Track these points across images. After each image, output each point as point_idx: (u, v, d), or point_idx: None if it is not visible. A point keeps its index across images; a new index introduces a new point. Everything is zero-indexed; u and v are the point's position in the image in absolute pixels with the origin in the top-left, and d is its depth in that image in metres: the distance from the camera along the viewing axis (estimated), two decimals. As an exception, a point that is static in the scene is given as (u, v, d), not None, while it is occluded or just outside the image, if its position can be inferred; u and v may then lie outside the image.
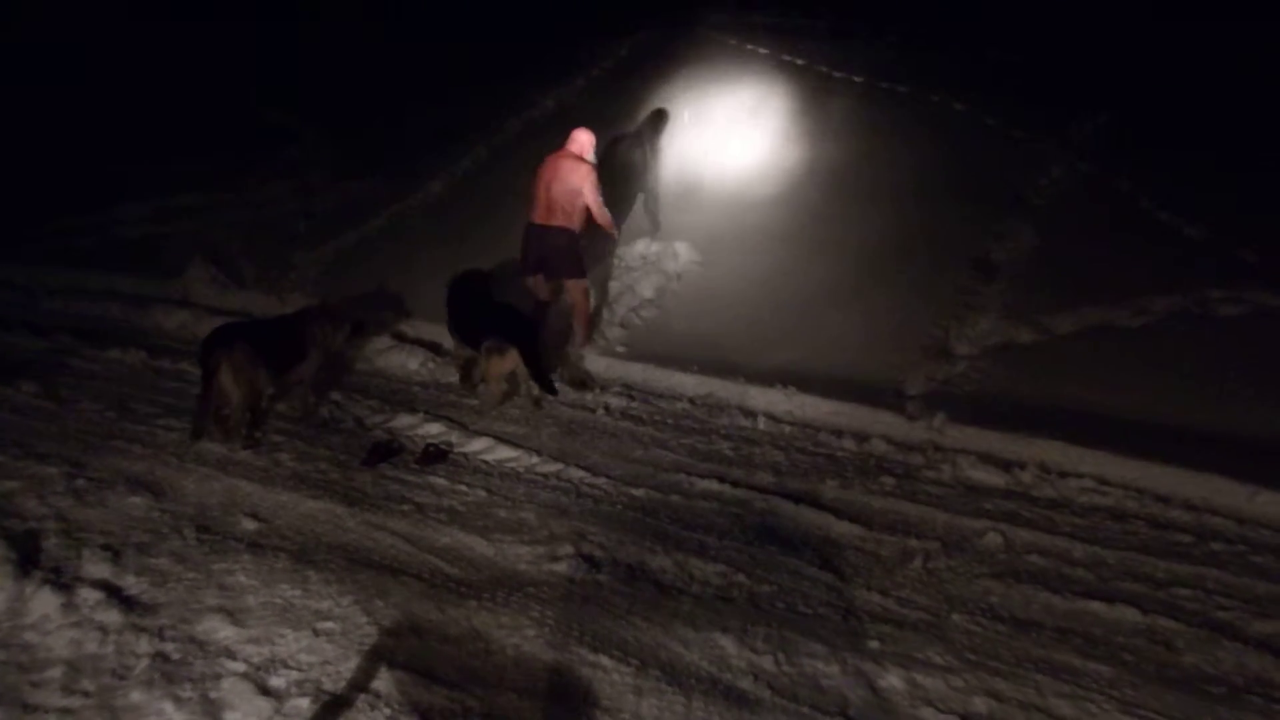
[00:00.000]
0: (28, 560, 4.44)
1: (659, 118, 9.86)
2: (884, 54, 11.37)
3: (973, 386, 7.05)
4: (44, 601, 4.16)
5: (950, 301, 7.92)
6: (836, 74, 11.18)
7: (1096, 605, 4.69)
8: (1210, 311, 7.42)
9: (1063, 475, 6.07)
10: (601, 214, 7.65)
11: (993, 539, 5.31)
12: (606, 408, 7.11)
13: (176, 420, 6.43)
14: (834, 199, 9.25)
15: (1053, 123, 9.86)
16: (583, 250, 7.75)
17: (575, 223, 7.58)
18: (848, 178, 9.49)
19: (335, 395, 7.03)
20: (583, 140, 7.69)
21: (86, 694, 3.70)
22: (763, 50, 11.79)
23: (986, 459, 6.25)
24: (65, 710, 3.61)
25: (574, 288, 7.82)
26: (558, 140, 7.89)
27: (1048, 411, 6.60)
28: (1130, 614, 4.61)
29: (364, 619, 4.24)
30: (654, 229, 9.18)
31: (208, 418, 6.06)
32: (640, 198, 9.13)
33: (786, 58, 11.57)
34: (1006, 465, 6.18)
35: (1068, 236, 8.38)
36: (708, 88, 11.08)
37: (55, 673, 3.79)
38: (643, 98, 11.05)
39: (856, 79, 11.07)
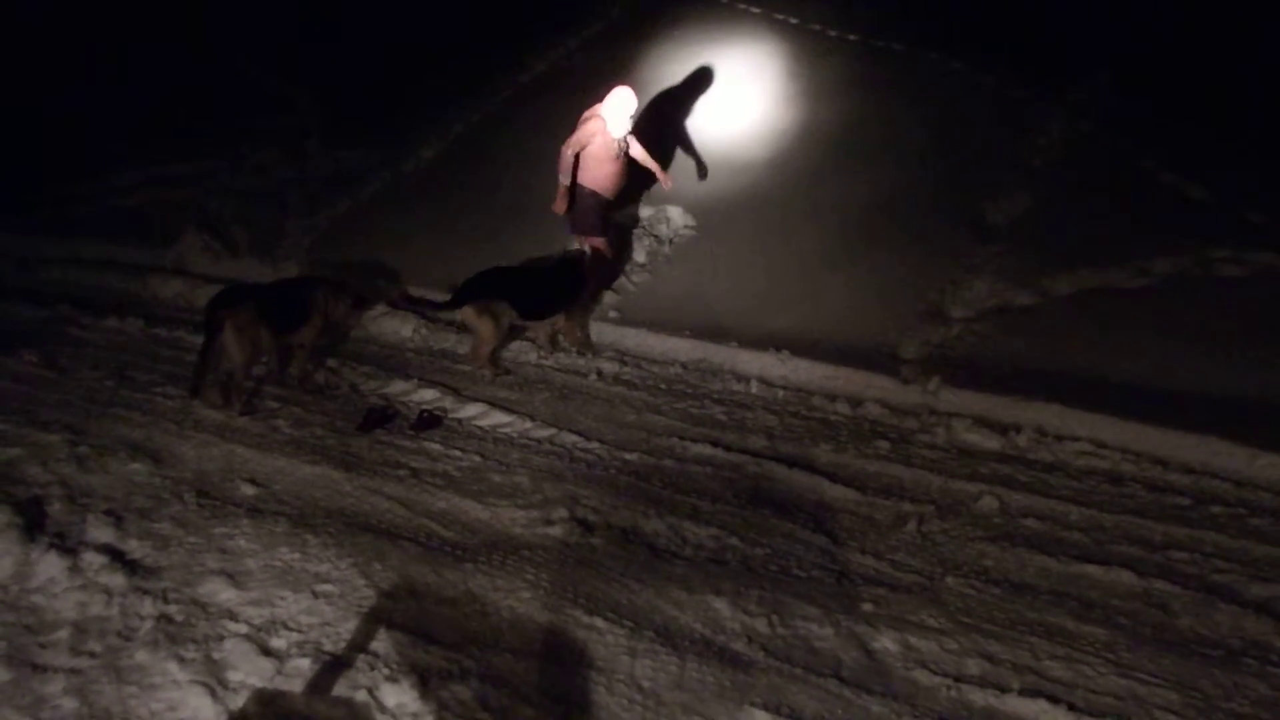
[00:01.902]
0: (33, 525, 4.49)
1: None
2: (879, 12, 11.19)
3: (968, 350, 7.04)
4: (50, 565, 4.21)
5: (946, 264, 7.89)
6: (831, 33, 11.03)
7: (1092, 568, 4.71)
8: (1212, 273, 7.34)
9: (1059, 439, 6.08)
10: (558, 162, 7.59)
11: (988, 502, 5.33)
12: (599, 373, 7.13)
13: (174, 388, 6.47)
14: (828, 161, 9.18)
15: (1051, 82, 9.70)
16: (594, 209, 7.76)
17: (587, 180, 7.61)
18: (842, 139, 9.40)
19: (331, 362, 7.05)
20: (607, 98, 7.55)
21: (93, 655, 3.75)
22: (755, 9, 11.65)
23: (982, 422, 6.25)
24: (73, 670, 3.66)
25: (590, 245, 7.89)
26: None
27: (1044, 374, 6.60)
28: (1126, 577, 4.63)
29: (362, 581, 4.28)
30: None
31: (206, 376, 6.09)
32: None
33: (779, 16, 11.42)
34: (1002, 429, 6.18)
35: (1066, 198, 8.31)
36: (699, 48, 10.95)
37: (63, 634, 3.85)
38: (634, 59, 10.96)
39: (851, 37, 10.90)
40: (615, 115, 7.47)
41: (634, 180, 8.14)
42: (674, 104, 10.07)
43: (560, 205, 7.77)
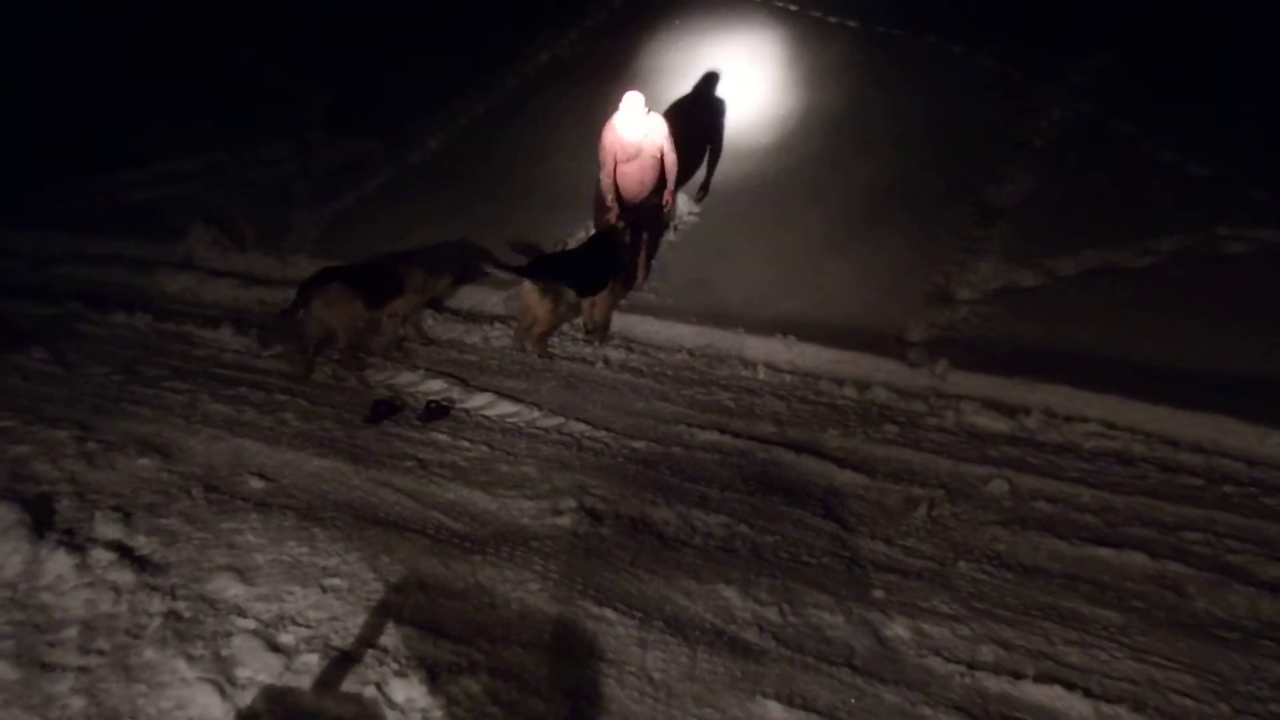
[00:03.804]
0: (42, 523, 4.49)
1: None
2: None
3: (975, 332, 7.01)
4: (59, 563, 4.21)
5: (951, 246, 7.86)
6: (831, 18, 11.01)
7: (1105, 551, 4.69)
8: (1217, 250, 7.32)
9: (1069, 420, 6.06)
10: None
11: (998, 486, 5.31)
12: (606, 360, 7.11)
13: (182, 382, 6.47)
14: (831, 146, 9.16)
15: (1051, 64, 9.67)
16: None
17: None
18: (844, 124, 9.39)
19: (337, 354, 7.03)
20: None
21: (102, 653, 3.76)
22: (756, -3, 11.62)
23: (990, 405, 6.23)
24: (82, 669, 3.66)
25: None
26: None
27: (1052, 355, 6.57)
28: (1139, 559, 4.61)
29: (370, 575, 4.28)
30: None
31: (307, 353, 6.77)
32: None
33: (780, 3, 11.39)
34: (1011, 411, 6.16)
35: (1069, 178, 8.28)
36: (701, 36, 10.95)
37: (71, 632, 3.86)
38: (637, 48, 10.94)
39: (851, 23, 10.89)
40: (624, 119, 7.52)
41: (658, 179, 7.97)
42: (677, 93, 10.03)
43: (612, 216, 7.84)
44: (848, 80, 9.92)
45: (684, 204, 8.92)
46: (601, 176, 7.80)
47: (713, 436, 5.90)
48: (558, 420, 6.12)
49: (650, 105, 8.97)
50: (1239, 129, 8.30)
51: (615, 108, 7.63)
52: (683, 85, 10.12)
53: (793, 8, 11.30)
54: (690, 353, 7.26)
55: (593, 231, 8.21)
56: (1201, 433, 5.79)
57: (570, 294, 7.15)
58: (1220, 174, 7.94)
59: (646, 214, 7.98)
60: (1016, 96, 9.41)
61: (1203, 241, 7.38)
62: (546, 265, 7.19)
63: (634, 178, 7.74)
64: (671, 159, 7.78)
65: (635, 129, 7.52)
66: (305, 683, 3.60)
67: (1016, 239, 7.81)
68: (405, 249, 7.50)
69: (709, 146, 9.40)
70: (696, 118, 9.74)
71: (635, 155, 7.64)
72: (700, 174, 9.23)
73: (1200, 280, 7.05)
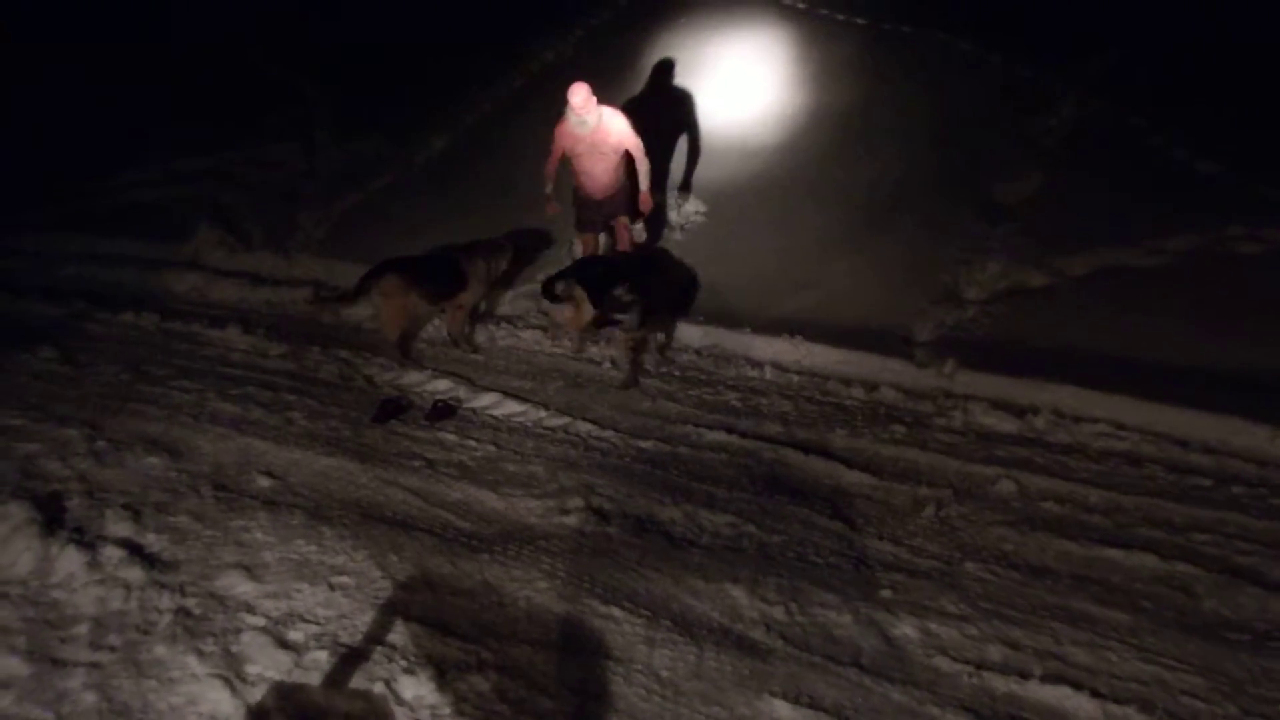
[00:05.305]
0: (53, 521, 4.51)
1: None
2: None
3: (983, 331, 6.99)
4: (69, 560, 4.23)
5: (958, 246, 7.84)
6: (839, 16, 10.98)
7: (1114, 552, 4.68)
8: (1229, 250, 7.26)
9: (1077, 420, 6.04)
10: None
11: (1006, 486, 5.30)
12: (613, 361, 7.09)
13: (190, 381, 6.48)
14: (838, 144, 9.14)
15: (1061, 61, 9.62)
16: (582, 206, 7.75)
17: (574, 178, 7.62)
18: (852, 123, 9.37)
19: (344, 353, 7.04)
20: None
21: (113, 649, 3.78)
22: (762, -6, 11.61)
23: (998, 405, 6.22)
24: (93, 665, 3.68)
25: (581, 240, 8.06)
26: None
27: (1061, 355, 6.55)
28: (1149, 560, 4.60)
29: (378, 573, 4.29)
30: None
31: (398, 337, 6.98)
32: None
33: (788, 2, 11.38)
34: (1019, 411, 6.15)
35: (1078, 177, 8.23)
36: (707, 34, 10.94)
37: (82, 629, 3.88)
38: (642, 48, 10.92)
39: (859, 21, 10.87)
40: (572, 113, 7.15)
41: (627, 175, 7.69)
42: (682, 91, 10.03)
43: (549, 208, 7.73)
44: (855, 78, 9.89)
45: (690, 203, 8.91)
46: (546, 163, 7.50)
47: (720, 436, 5.90)
48: (564, 420, 6.12)
49: (656, 105, 8.97)
50: (1251, 126, 8.24)
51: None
52: (688, 83, 10.12)
53: (800, 5, 11.28)
54: (697, 352, 7.26)
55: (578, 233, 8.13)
56: (1211, 433, 5.76)
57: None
58: (1233, 172, 7.89)
59: (645, 215, 7.92)
60: (1025, 93, 9.37)
61: (1215, 241, 7.33)
62: (556, 280, 6.99)
63: (588, 173, 7.43)
64: (640, 156, 7.35)
65: (584, 122, 7.12)
66: (314, 679, 3.62)
67: (1025, 238, 7.77)
68: (463, 242, 7.47)
69: (703, 144, 9.36)
70: (700, 116, 9.75)
71: (588, 151, 7.31)
72: (706, 173, 9.22)
73: (1210, 280, 7.00)
